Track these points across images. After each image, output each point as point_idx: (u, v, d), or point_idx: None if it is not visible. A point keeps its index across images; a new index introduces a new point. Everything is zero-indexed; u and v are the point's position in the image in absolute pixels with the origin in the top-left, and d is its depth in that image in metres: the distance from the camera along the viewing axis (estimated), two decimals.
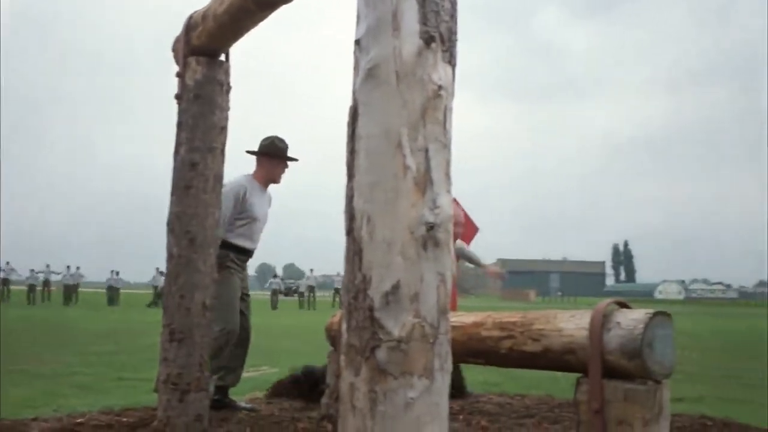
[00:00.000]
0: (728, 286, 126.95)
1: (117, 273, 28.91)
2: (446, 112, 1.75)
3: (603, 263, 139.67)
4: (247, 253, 4.32)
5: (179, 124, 3.28)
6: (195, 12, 3.28)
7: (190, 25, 3.28)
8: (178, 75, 3.31)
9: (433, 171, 1.70)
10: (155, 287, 27.40)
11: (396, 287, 1.64)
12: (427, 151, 1.69)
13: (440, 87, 1.73)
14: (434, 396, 1.66)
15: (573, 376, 2.45)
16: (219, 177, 3.30)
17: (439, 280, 1.68)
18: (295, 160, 4.44)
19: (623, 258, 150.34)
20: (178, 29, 3.45)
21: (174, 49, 3.43)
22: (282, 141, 4.37)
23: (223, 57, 3.38)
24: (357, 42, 1.79)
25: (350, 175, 1.77)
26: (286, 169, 4.42)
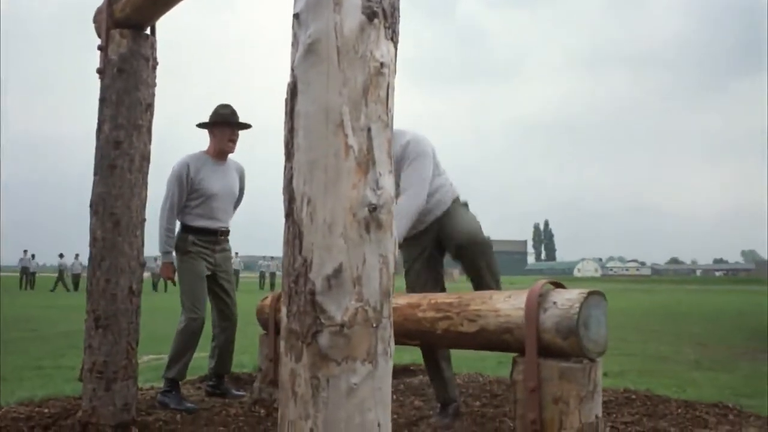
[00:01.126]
0: (642, 263, 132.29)
1: (33, 256, 27.50)
2: (388, 90, 1.71)
3: (525, 242, 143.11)
4: (211, 233, 4.10)
5: (102, 100, 3.12)
6: None
7: None
8: (100, 48, 3.15)
9: (376, 151, 1.65)
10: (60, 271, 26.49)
11: (338, 271, 1.59)
12: (369, 130, 1.64)
13: (382, 64, 1.68)
14: (377, 381, 1.63)
15: (498, 354, 2.47)
16: (145, 156, 3.16)
17: (381, 263, 1.65)
18: (246, 126, 4.22)
19: (544, 237, 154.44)
20: None
21: (96, 21, 3.25)
22: (225, 107, 4.15)
23: (148, 31, 3.23)
24: (296, 16, 1.72)
25: (289, 154, 1.70)
26: (236, 136, 4.18)
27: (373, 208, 1.62)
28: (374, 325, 1.62)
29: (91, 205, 3.09)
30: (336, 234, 1.60)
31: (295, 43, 1.72)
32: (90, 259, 3.09)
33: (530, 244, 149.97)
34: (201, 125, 4.16)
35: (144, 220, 3.17)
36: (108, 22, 3.14)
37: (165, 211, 4.00)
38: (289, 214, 1.67)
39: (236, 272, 29.67)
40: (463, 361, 5.73)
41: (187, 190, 4.00)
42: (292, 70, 1.71)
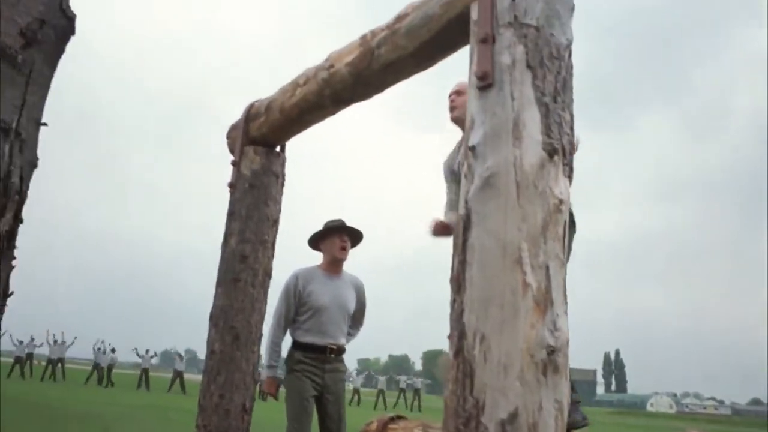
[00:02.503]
0: (721, 402, 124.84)
1: (108, 349, 27.80)
2: (565, 227, 1.66)
3: (594, 371, 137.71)
4: (320, 350, 3.94)
5: (231, 214, 3.18)
6: (256, 101, 3.24)
7: (250, 115, 3.23)
8: (234, 164, 3.24)
9: (553, 290, 1.59)
10: (145, 369, 26.79)
11: (513, 415, 1.50)
12: (547, 268, 1.59)
13: (561, 201, 1.65)
14: None
15: None
16: (267, 271, 3.17)
17: (557, 409, 1.54)
18: (356, 233, 4.14)
19: (615, 367, 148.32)
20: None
21: (229, 137, 3.37)
22: (333, 220, 4.15)
23: (278, 148, 3.32)
24: (472, 148, 1.71)
25: (459, 288, 1.65)
26: (347, 244, 4.11)
27: (551, 351, 1.54)
28: None
29: (211, 317, 3.09)
30: (512, 376, 1.52)
31: (469, 175, 1.70)
32: (205, 372, 3.06)
33: (600, 373, 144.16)
34: (312, 240, 4.17)
35: (261, 335, 3.14)
36: (243, 139, 3.24)
37: (273, 323, 3.98)
38: (459, 350, 1.60)
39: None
40: None
41: (296, 304, 3.95)
42: (466, 201, 1.69)
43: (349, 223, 4.14)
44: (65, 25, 1.25)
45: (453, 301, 1.67)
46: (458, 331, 1.61)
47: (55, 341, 27.05)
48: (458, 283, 1.66)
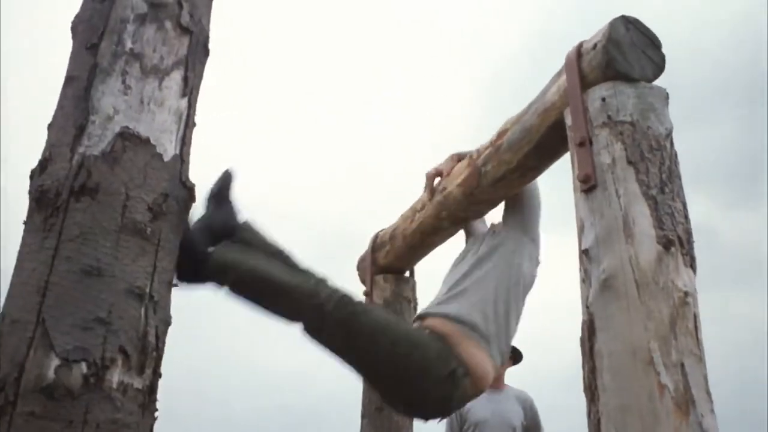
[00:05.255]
0: None
1: None
2: (696, 320, 1.58)
3: None
4: None
5: None
6: (381, 231, 3.35)
7: (376, 245, 3.34)
8: (366, 294, 3.34)
9: (693, 389, 1.49)
10: None
11: None
12: (683, 366, 1.51)
13: (686, 293, 1.58)
14: None
15: None
16: None
17: None
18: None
19: None
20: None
21: (360, 269, 3.49)
22: None
23: (407, 273, 3.40)
24: (585, 252, 1.70)
25: (592, 397, 1.60)
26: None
27: None
28: None
29: None
30: None
31: (586, 279, 1.68)
32: None
33: None
34: None
35: None
36: (372, 269, 3.34)
37: None
38: None
39: None
40: None
41: (459, 424, 3.93)
42: (587, 307, 1.66)
43: None
44: (186, 195, 1.40)
45: (588, 412, 1.61)
46: None
47: None
48: (591, 392, 1.60)
